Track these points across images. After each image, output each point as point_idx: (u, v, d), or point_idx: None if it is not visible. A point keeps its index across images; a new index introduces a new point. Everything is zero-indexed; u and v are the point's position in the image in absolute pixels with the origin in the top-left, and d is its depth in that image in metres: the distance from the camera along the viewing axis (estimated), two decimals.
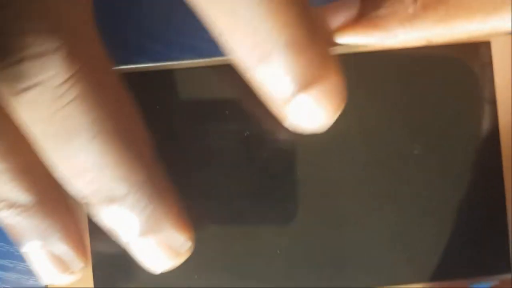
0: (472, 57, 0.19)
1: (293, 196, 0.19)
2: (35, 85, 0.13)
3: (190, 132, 0.19)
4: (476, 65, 0.19)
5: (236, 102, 0.19)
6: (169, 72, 0.19)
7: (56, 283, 0.17)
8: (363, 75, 0.19)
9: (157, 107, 0.19)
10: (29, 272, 0.23)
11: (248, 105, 0.19)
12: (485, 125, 0.19)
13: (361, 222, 0.19)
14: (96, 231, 0.18)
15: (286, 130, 0.16)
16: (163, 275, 0.17)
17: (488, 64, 0.19)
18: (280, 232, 0.19)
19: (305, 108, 0.14)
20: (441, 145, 0.19)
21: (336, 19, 0.18)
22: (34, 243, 0.16)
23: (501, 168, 0.19)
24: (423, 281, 0.19)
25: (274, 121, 0.16)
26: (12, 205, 0.16)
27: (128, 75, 0.19)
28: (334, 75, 0.14)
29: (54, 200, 0.16)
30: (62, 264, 0.17)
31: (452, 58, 0.19)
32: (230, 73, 0.19)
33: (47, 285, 0.18)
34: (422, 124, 0.19)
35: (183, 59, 0.20)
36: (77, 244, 0.17)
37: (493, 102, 0.19)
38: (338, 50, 0.19)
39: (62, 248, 0.17)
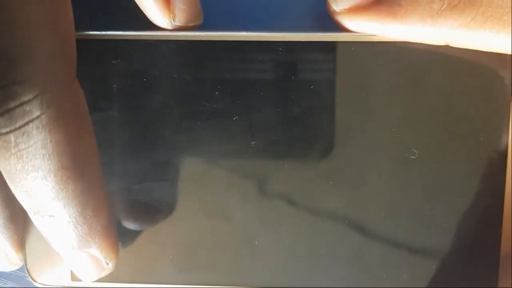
0: (491, 62, 0.18)
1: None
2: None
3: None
4: (495, 74, 0.18)
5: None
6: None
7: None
8: (367, 65, 0.18)
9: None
10: None
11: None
12: (495, 139, 0.18)
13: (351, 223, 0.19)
14: None
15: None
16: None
17: (507, 77, 0.18)
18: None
19: None
20: (441, 152, 0.18)
21: None
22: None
23: (503, 189, 0.18)
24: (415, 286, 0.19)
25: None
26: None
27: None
28: None
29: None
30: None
31: (468, 61, 0.18)
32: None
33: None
34: (423, 128, 0.18)
35: None
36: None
37: (507, 119, 0.18)
38: (342, 37, 0.17)
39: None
